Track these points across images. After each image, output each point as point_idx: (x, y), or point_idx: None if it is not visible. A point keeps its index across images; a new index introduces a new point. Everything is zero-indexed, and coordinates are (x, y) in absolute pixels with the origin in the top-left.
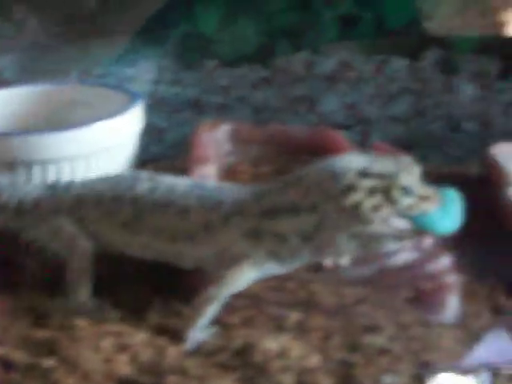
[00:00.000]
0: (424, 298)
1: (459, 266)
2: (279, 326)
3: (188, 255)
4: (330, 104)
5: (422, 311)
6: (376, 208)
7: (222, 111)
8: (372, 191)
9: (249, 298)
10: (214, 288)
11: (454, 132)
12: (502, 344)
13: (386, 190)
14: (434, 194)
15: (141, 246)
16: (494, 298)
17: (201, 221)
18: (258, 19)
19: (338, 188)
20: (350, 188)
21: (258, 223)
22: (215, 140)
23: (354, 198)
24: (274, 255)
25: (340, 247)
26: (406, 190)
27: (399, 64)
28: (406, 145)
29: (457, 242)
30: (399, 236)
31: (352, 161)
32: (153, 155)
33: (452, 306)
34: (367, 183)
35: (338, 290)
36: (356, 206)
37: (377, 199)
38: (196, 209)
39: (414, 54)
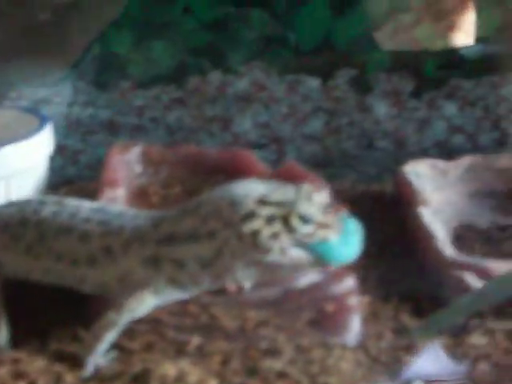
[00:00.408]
0: (326, 320)
1: (365, 287)
2: (179, 351)
3: (89, 280)
4: (245, 124)
5: (323, 333)
6: (274, 236)
7: (137, 132)
8: (270, 219)
9: (149, 323)
10: (113, 313)
11: (368, 150)
12: (437, 358)
13: (285, 217)
14: (334, 222)
15: (44, 270)
16: (397, 318)
17: (101, 246)
18: (171, 40)
19: (237, 215)
20: (249, 215)
21: (156, 250)
22: (126, 162)
23: (253, 225)
24: (174, 282)
25: (238, 274)
26: (305, 218)
27: (312, 83)
28: (320, 163)
29: (365, 262)
30: (297, 265)
31: (251, 188)
32: (68, 177)
33: (354, 328)
34: (266, 211)
35: (239, 313)
36: (254, 234)
37: (275, 227)
38: (97, 234)
39: (326, 74)
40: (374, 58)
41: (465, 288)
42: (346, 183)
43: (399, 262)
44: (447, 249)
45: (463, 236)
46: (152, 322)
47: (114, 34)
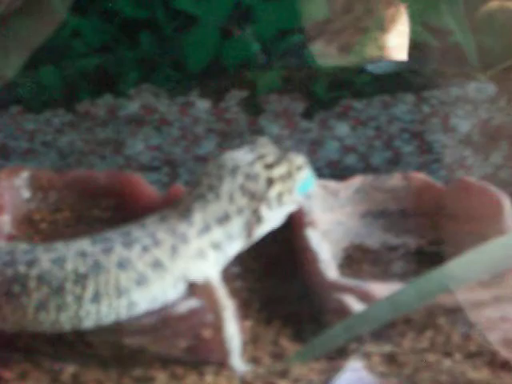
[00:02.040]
0: (203, 346)
1: (248, 311)
2: (54, 380)
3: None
4: (136, 146)
5: (200, 360)
6: (289, 190)
7: (29, 156)
8: (283, 177)
9: (25, 352)
10: (219, 309)
11: None
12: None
13: (289, 172)
14: (302, 159)
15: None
16: (278, 342)
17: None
18: (60, 64)
19: (259, 186)
20: (268, 182)
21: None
22: (13, 187)
23: (275, 189)
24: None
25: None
26: (299, 167)
27: (203, 105)
28: None
29: (250, 285)
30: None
31: (245, 158)
32: None
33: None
34: (276, 173)
35: (116, 340)
36: (279, 195)
37: (288, 183)
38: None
39: (217, 95)
40: (265, 79)
41: (345, 311)
42: None
43: (285, 285)
44: (330, 271)
45: (353, 257)
46: (27, 350)
47: (2, 58)
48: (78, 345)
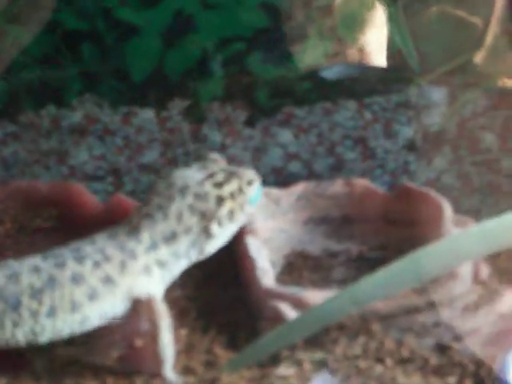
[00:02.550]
0: (135, 355)
1: (185, 319)
2: None
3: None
4: (80, 156)
5: (131, 369)
6: (241, 206)
7: None
8: (232, 194)
9: None
10: (157, 318)
11: None
12: None
13: (240, 188)
14: (252, 173)
15: None
16: (212, 350)
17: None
18: (2, 75)
19: (209, 205)
20: (219, 201)
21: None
22: None
23: (226, 207)
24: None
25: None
26: (249, 181)
27: (146, 115)
28: None
29: (188, 293)
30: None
31: (194, 176)
32: None
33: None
34: (226, 190)
35: (49, 351)
36: (231, 212)
37: (240, 198)
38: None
39: (159, 105)
40: (207, 88)
41: (280, 318)
42: None
43: (224, 293)
44: (266, 279)
45: (294, 264)
46: None
47: None
48: (9, 356)
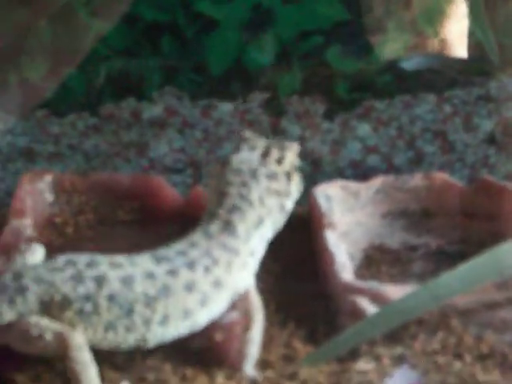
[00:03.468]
0: (214, 348)
1: (265, 312)
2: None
3: None
4: (160, 149)
5: (211, 362)
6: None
7: (54, 160)
8: (293, 166)
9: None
10: (254, 311)
11: None
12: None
13: (293, 158)
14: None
15: None
16: (290, 344)
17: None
18: (84, 67)
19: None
20: (288, 175)
21: None
22: (37, 191)
23: (294, 180)
24: None
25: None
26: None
27: (225, 108)
28: None
29: (267, 286)
30: None
31: (250, 159)
32: None
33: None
34: (288, 163)
35: None
36: (297, 184)
37: (295, 169)
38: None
39: (239, 98)
40: (286, 81)
41: (359, 313)
42: None
43: (302, 287)
44: (345, 273)
45: (372, 257)
46: None
47: (27, 62)
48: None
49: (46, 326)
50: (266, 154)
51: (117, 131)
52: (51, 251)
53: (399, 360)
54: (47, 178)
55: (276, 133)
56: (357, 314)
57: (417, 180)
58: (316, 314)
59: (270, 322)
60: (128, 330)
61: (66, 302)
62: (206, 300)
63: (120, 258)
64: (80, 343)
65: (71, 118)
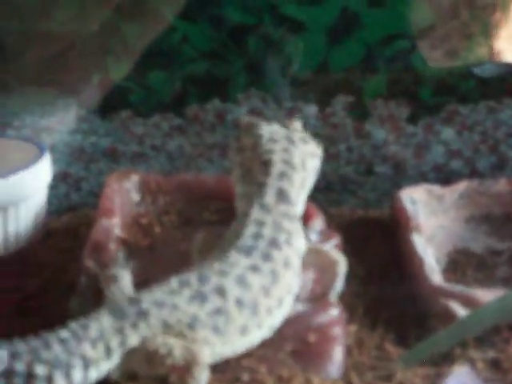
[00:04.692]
0: (308, 350)
1: (353, 315)
2: None
3: None
4: None
5: (305, 364)
6: None
7: (138, 160)
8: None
9: None
10: None
11: (367, 175)
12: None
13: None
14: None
15: None
16: (382, 347)
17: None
18: (170, 68)
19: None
20: (309, 140)
21: None
22: (124, 190)
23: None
24: None
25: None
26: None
27: (310, 110)
28: (319, 189)
29: (355, 289)
30: None
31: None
32: (71, 204)
33: (337, 358)
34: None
35: None
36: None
37: None
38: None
39: (323, 101)
40: (371, 85)
41: (450, 316)
42: (344, 209)
43: (388, 289)
44: (435, 276)
45: (457, 261)
46: None
47: (112, 62)
48: None
49: (175, 344)
50: (284, 125)
51: (201, 132)
52: (138, 251)
53: (493, 364)
54: (134, 177)
55: (359, 136)
56: (448, 317)
57: (501, 185)
58: (405, 316)
59: (359, 324)
60: (259, 326)
61: (196, 322)
62: (296, 271)
63: (217, 265)
64: (206, 362)
65: (156, 119)
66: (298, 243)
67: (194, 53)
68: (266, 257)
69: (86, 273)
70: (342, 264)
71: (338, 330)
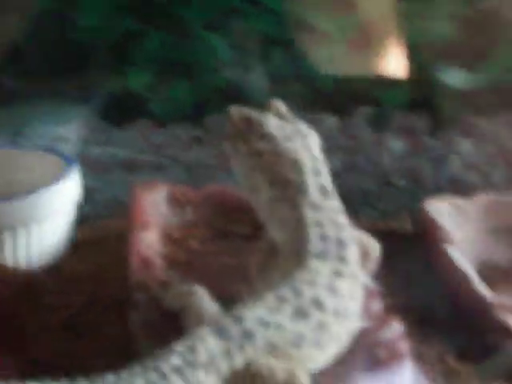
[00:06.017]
0: (381, 365)
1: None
2: None
3: None
4: None
5: (379, 379)
6: None
7: (155, 170)
8: None
9: None
10: None
11: (385, 187)
12: None
13: None
14: None
15: None
16: (443, 360)
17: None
18: (189, 78)
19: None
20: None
21: None
22: (154, 203)
23: None
24: None
25: None
26: None
27: (330, 121)
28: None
29: (395, 301)
30: None
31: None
32: (86, 215)
33: (408, 373)
34: None
35: None
36: None
37: None
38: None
39: (344, 111)
40: (391, 96)
41: (507, 329)
42: (364, 220)
43: (427, 300)
44: (481, 289)
45: (484, 274)
46: None
47: (132, 71)
48: None
49: (277, 365)
50: (268, 109)
51: (220, 143)
52: (178, 266)
53: None
54: (161, 189)
55: (378, 147)
56: (505, 329)
57: None
58: (459, 330)
59: (409, 334)
60: (347, 333)
61: (301, 340)
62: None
63: (301, 274)
64: (306, 382)
65: (174, 129)
66: (352, 235)
67: (213, 63)
68: (342, 259)
69: (141, 288)
70: (375, 248)
71: (404, 344)
